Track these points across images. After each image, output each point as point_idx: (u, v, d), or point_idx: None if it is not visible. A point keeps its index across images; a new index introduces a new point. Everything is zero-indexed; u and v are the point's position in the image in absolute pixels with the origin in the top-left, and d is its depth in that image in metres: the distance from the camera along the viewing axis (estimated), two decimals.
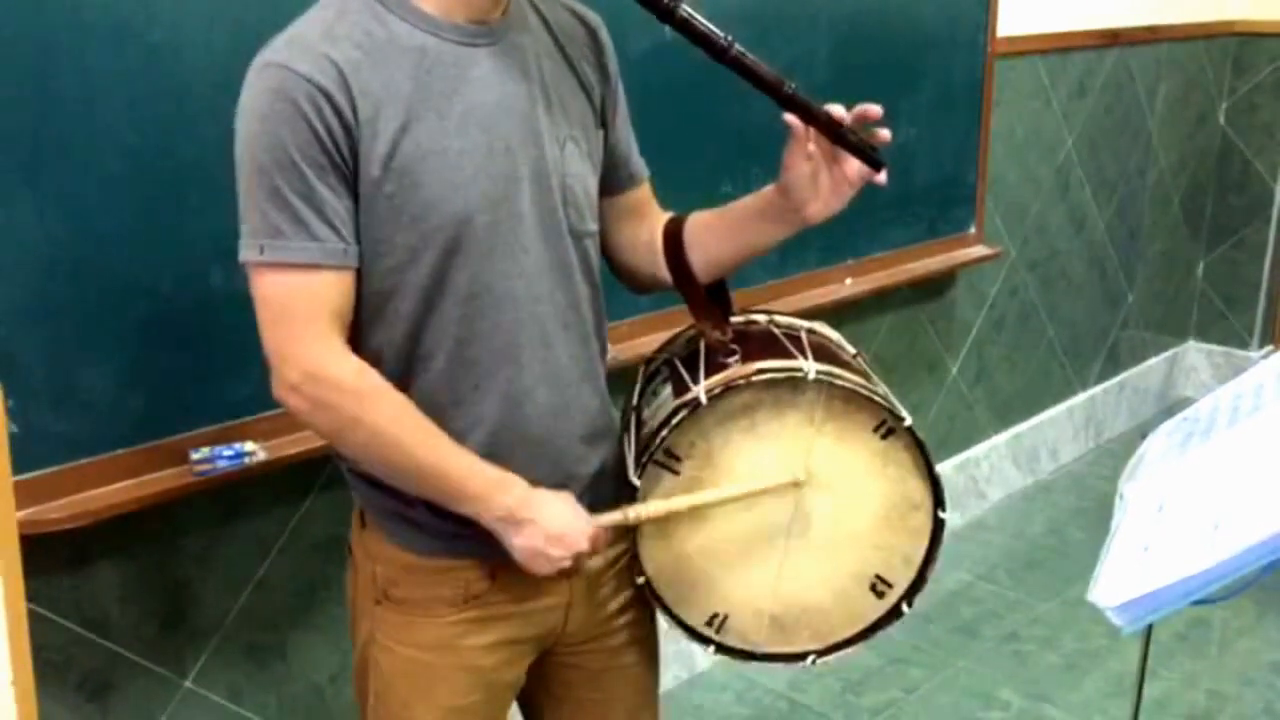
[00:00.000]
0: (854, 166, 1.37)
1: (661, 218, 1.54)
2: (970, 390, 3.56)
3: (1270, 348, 4.37)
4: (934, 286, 3.29)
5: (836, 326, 1.63)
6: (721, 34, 1.29)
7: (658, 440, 1.36)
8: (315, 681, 2.09)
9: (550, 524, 1.33)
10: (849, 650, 1.48)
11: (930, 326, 3.35)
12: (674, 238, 1.49)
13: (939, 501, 1.43)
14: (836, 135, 1.34)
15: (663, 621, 1.50)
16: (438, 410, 1.33)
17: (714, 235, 1.48)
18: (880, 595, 1.46)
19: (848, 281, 2.86)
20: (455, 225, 1.28)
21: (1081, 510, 3.71)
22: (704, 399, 1.35)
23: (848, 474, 1.41)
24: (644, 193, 1.54)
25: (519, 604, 1.42)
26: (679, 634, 1.47)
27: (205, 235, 1.68)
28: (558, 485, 1.40)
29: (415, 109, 1.26)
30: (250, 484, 1.88)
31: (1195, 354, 4.57)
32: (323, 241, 1.24)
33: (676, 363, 1.49)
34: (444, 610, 1.41)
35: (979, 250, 3.29)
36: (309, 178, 1.22)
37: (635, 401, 1.54)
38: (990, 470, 3.71)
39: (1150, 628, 1.65)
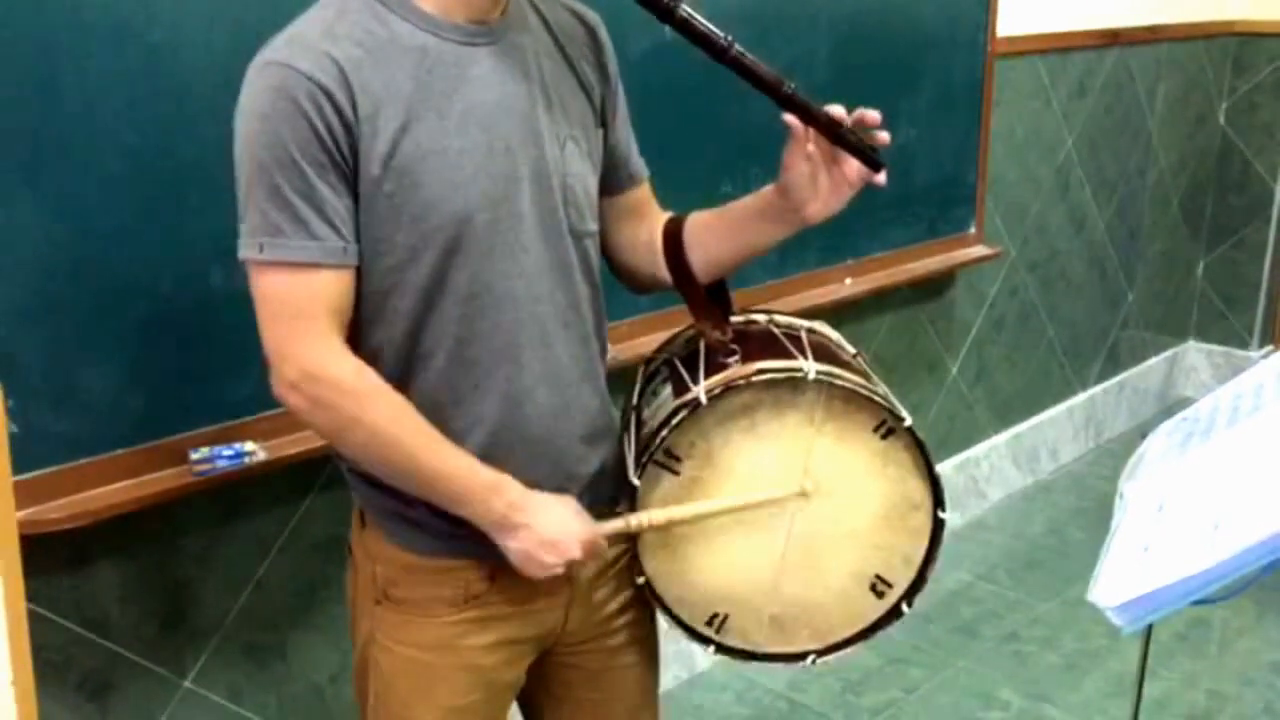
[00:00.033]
0: (853, 167, 1.36)
1: (661, 218, 1.54)
2: (970, 390, 3.56)
3: (1270, 348, 4.37)
4: (934, 286, 3.29)
5: (836, 326, 1.63)
6: (721, 34, 1.29)
7: (658, 440, 1.36)
8: (315, 681, 2.09)
9: (544, 529, 1.33)
10: (849, 650, 1.48)
11: (930, 326, 3.35)
12: (674, 238, 1.49)
13: (939, 501, 1.43)
14: (836, 136, 1.34)
15: (663, 621, 1.50)
16: (438, 410, 1.33)
17: (713, 235, 1.48)
18: (880, 595, 1.46)
19: (847, 281, 2.86)
20: (455, 225, 1.28)
21: (1081, 510, 3.71)
22: (704, 399, 1.35)
23: (848, 474, 1.41)
24: (644, 193, 1.54)
25: (519, 604, 1.42)
26: (679, 634, 1.47)
27: (205, 235, 1.68)
28: (558, 485, 1.40)
29: (416, 108, 1.26)
30: (250, 484, 1.88)
31: (1195, 354, 4.57)
32: (322, 240, 1.24)
33: (676, 363, 1.49)
34: (444, 610, 1.41)
35: (979, 250, 3.29)
36: (309, 176, 1.22)
37: (635, 401, 1.54)
38: (990, 470, 3.71)
39: (1150, 628, 1.65)
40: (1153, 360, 4.39)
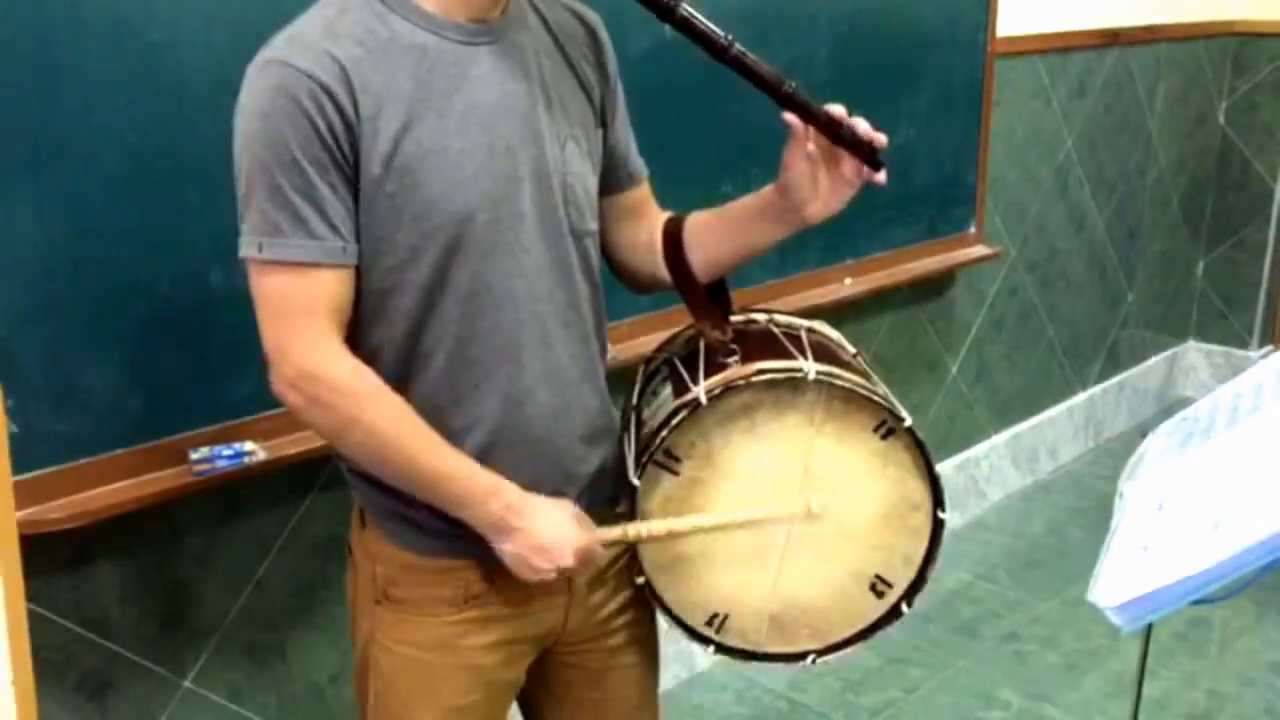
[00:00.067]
0: (853, 166, 1.36)
1: (661, 217, 1.54)
2: (970, 390, 3.56)
3: (1270, 348, 4.37)
4: (934, 286, 3.29)
5: (836, 326, 1.63)
6: (721, 33, 1.29)
7: (657, 440, 1.36)
8: (315, 681, 2.09)
9: (539, 534, 1.33)
10: (849, 650, 1.48)
11: (930, 326, 3.35)
12: (673, 237, 1.49)
13: (939, 501, 1.43)
14: (836, 135, 1.34)
15: (663, 621, 1.50)
16: (438, 409, 1.33)
17: (713, 235, 1.48)
18: (880, 595, 1.46)
19: (847, 281, 2.86)
20: (456, 224, 1.28)
21: (1081, 510, 3.71)
22: (704, 399, 1.35)
23: (847, 474, 1.41)
24: (643, 192, 1.54)
25: (518, 604, 1.42)
26: (679, 634, 1.47)
27: (205, 235, 1.68)
28: (558, 485, 1.40)
29: (416, 108, 1.26)
30: (250, 484, 1.88)
31: (1195, 354, 4.57)
32: (322, 240, 1.24)
33: (676, 362, 1.49)
34: (444, 610, 1.41)
35: (979, 250, 3.29)
36: (309, 175, 1.22)
37: (635, 401, 1.54)
38: (990, 470, 3.71)
39: (1150, 627, 1.66)
40: (1152, 360, 4.39)
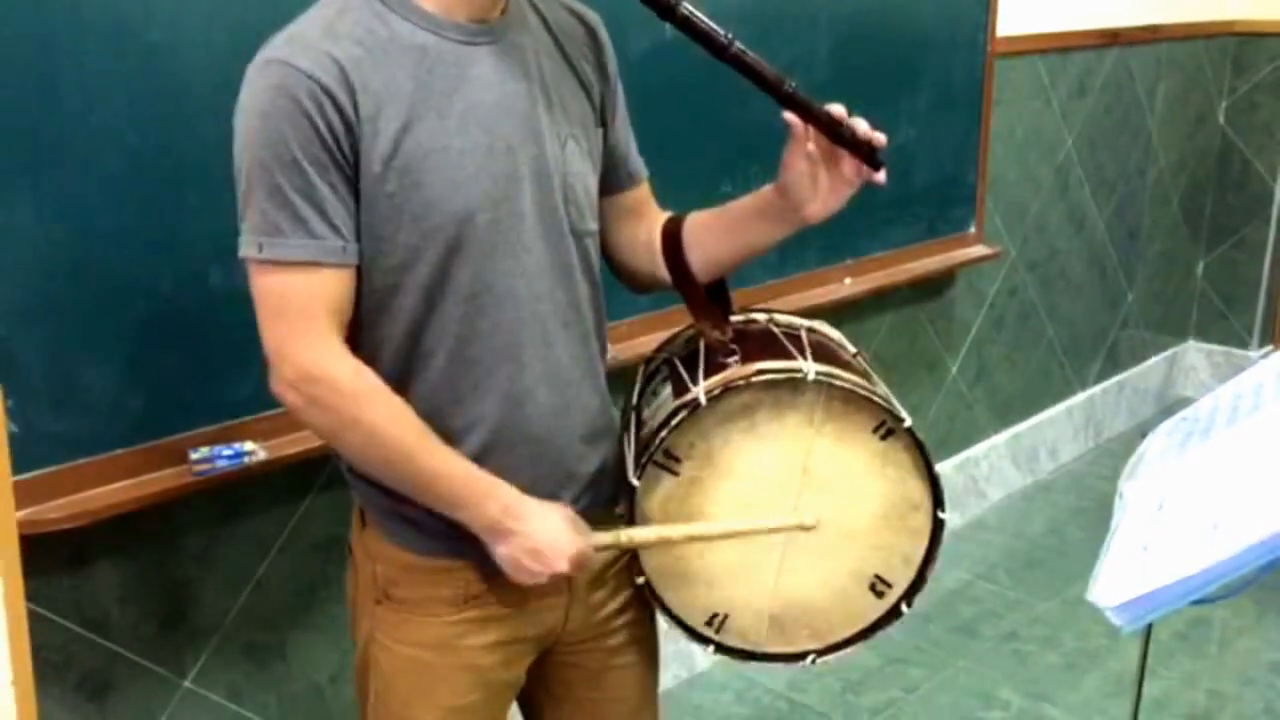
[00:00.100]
0: (853, 166, 1.36)
1: (660, 217, 1.54)
2: (970, 390, 3.56)
3: (1270, 347, 4.37)
4: (934, 286, 3.29)
5: (836, 326, 1.63)
6: (722, 32, 1.29)
7: (657, 441, 1.36)
8: (315, 681, 2.09)
9: (535, 537, 1.33)
10: (848, 650, 1.48)
11: (930, 326, 3.35)
12: (673, 237, 1.49)
13: (938, 502, 1.43)
14: (836, 134, 1.34)
15: (662, 621, 1.50)
16: (438, 409, 1.33)
17: (712, 235, 1.48)
18: (880, 595, 1.46)
19: (847, 281, 2.86)
20: (456, 224, 1.28)
21: (1081, 510, 3.71)
22: (703, 400, 1.35)
23: (847, 474, 1.41)
24: (643, 192, 1.54)
25: (518, 604, 1.42)
26: (679, 634, 1.47)
27: (205, 235, 1.68)
28: (558, 484, 1.40)
29: (417, 108, 1.26)
30: (250, 484, 1.88)
31: (1195, 354, 4.57)
32: (322, 240, 1.24)
33: (676, 362, 1.49)
34: (444, 610, 1.41)
35: (978, 250, 3.29)
36: (309, 175, 1.22)
37: (635, 401, 1.54)
38: (990, 470, 3.71)
39: (1150, 627, 1.66)
40: (1152, 360, 4.39)
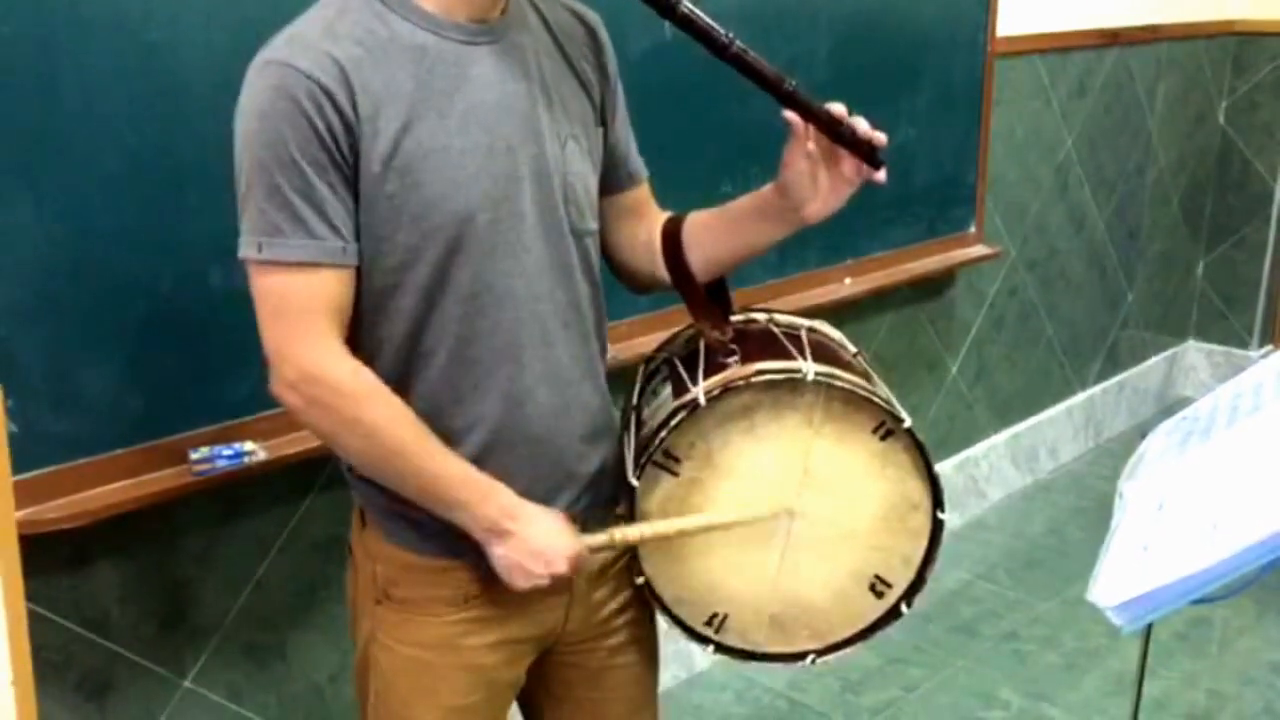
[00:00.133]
0: (853, 165, 1.36)
1: (660, 217, 1.54)
2: (970, 390, 3.56)
3: (1270, 347, 4.37)
4: (933, 286, 3.29)
5: (836, 326, 1.62)
6: (722, 30, 1.29)
7: (657, 441, 1.36)
8: (315, 681, 2.09)
9: (533, 539, 1.33)
10: (848, 650, 1.48)
11: (930, 326, 3.35)
12: (672, 237, 1.49)
13: (938, 502, 1.43)
14: (836, 133, 1.34)
15: (662, 621, 1.50)
16: (438, 409, 1.33)
17: (712, 235, 1.48)
18: (879, 595, 1.46)
19: (847, 281, 2.86)
20: (457, 224, 1.28)
21: (1081, 510, 3.71)
22: (703, 400, 1.35)
23: (847, 475, 1.41)
24: (643, 192, 1.54)
25: (519, 604, 1.42)
26: (678, 634, 1.47)
27: (205, 235, 1.68)
28: (558, 484, 1.40)
29: (417, 108, 1.26)
30: (250, 484, 1.88)
31: (1195, 354, 4.57)
32: (321, 240, 1.24)
33: (676, 362, 1.49)
34: (444, 610, 1.41)
35: (978, 250, 3.29)
36: (309, 175, 1.22)
37: (635, 401, 1.54)
38: (990, 470, 3.71)
39: (1150, 627, 1.65)
40: (1152, 360, 4.39)
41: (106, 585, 1.79)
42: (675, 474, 1.39)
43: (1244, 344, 4.46)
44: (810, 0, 2.61)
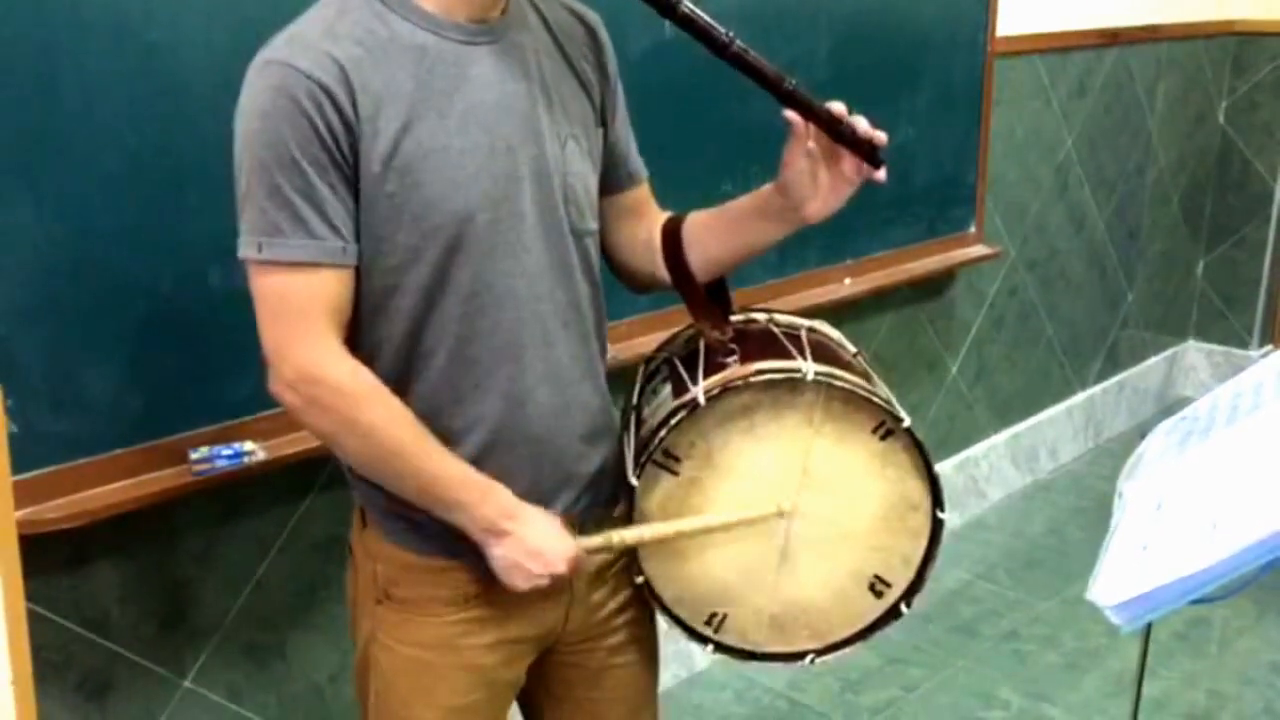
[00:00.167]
0: (853, 164, 1.36)
1: (660, 217, 1.54)
2: (970, 390, 3.56)
3: (1270, 347, 4.37)
4: (933, 286, 3.29)
5: (836, 326, 1.63)
6: (722, 29, 1.29)
7: (656, 440, 1.36)
8: (315, 681, 2.09)
9: (531, 539, 1.33)
10: (848, 650, 1.48)
11: (930, 326, 3.35)
12: (672, 237, 1.49)
13: (938, 502, 1.43)
14: (836, 132, 1.34)
15: (662, 621, 1.50)
16: (438, 409, 1.33)
17: (712, 234, 1.48)
18: (879, 595, 1.46)
19: (847, 281, 2.86)
20: (457, 224, 1.28)
21: (1081, 510, 3.71)
22: (702, 400, 1.35)
23: (846, 475, 1.41)
24: (643, 192, 1.54)
25: (519, 604, 1.42)
26: (678, 633, 1.47)
27: (204, 235, 1.68)
28: (558, 484, 1.40)
29: (417, 108, 1.26)
30: (249, 484, 1.88)
31: (1195, 353, 4.57)
32: (321, 240, 1.24)
33: (676, 362, 1.49)
34: (444, 610, 1.41)
35: (978, 250, 3.29)
36: (309, 175, 1.22)
37: (635, 401, 1.54)
38: (990, 470, 3.71)
39: (1150, 627, 1.66)
40: (1152, 360, 4.39)
41: (106, 585, 1.79)
42: (675, 473, 1.39)
43: (1244, 344, 4.46)
44: (810, 0, 2.61)
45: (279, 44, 1.24)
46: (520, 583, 1.35)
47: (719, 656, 1.49)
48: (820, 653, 1.48)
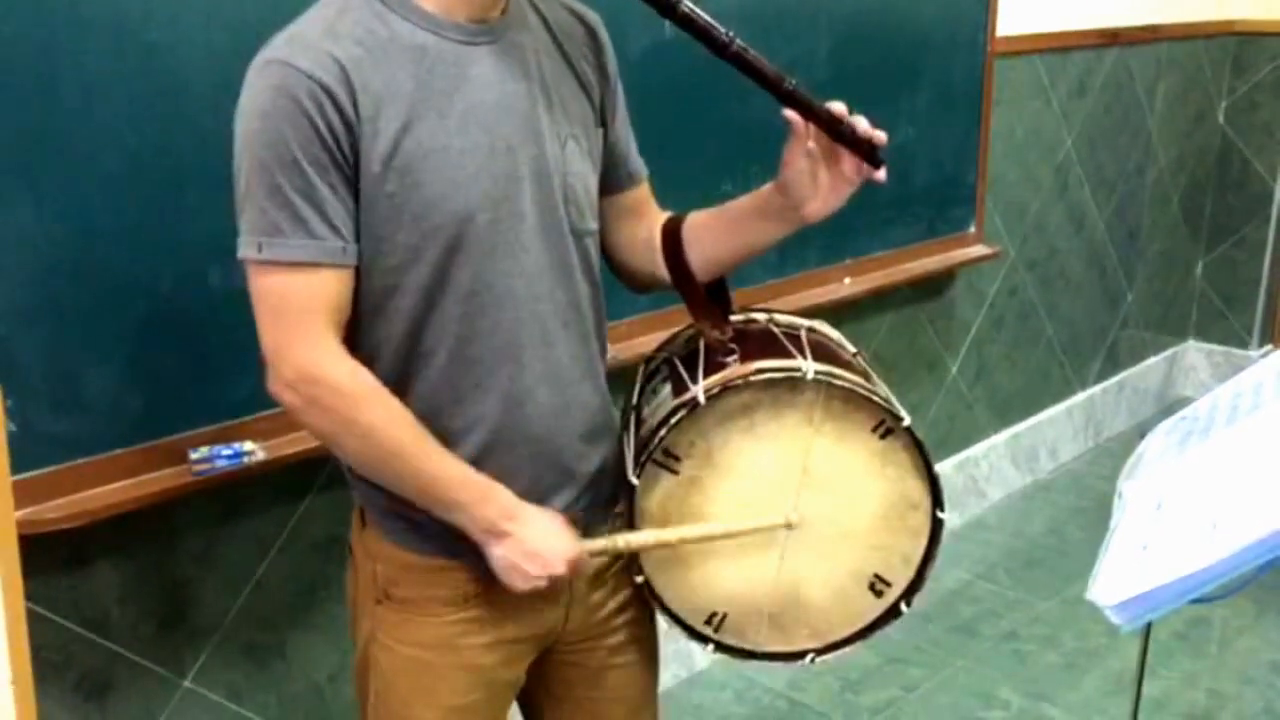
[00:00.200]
0: (853, 164, 1.36)
1: (660, 217, 1.54)
2: (970, 389, 3.56)
3: (1270, 347, 4.37)
4: (933, 286, 3.30)
5: (836, 326, 1.63)
6: (722, 29, 1.29)
7: (656, 439, 1.36)
8: (315, 681, 2.09)
9: (531, 540, 1.33)
10: (848, 649, 1.48)
11: (930, 326, 3.35)
12: (672, 237, 1.49)
13: (938, 501, 1.43)
14: (836, 132, 1.34)
15: (662, 621, 1.50)
16: (438, 409, 1.33)
17: (712, 234, 1.48)
18: (879, 595, 1.46)
19: (847, 281, 2.87)
20: (457, 224, 1.28)
21: (1081, 509, 3.71)
22: (702, 399, 1.35)
23: (846, 474, 1.41)
24: (643, 192, 1.54)
25: (519, 604, 1.42)
26: (678, 633, 1.47)
27: (204, 235, 1.68)
28: (557, 484, 1.40)
29: (417, 108, 1.26)
30: (249, 484, 1.88)
31: (1195, 353, 4.57)
32: (321, 240, 1.24)
33: (676, 362, 1.49)
34: (444, 609, 1.41)
35: (978, 250, 3.29)
36: (309, 175, 1.22)
37: (635, 400, 1.54)
38: (989, 469, 3.71)
39: (1149, 626, 1.66)
40: (1152, 360, 4.39)
41: (106, 585, 1.79)
42: (675, 472, 1.39)
43: (1244, 344, 4.46)
44: (810, 0, 2.61)
45: (279, 44, 1.24)
46: (519, 583, 1.35)
47: (719, 656, 1.49)
48: (820, 652, 1.48)
